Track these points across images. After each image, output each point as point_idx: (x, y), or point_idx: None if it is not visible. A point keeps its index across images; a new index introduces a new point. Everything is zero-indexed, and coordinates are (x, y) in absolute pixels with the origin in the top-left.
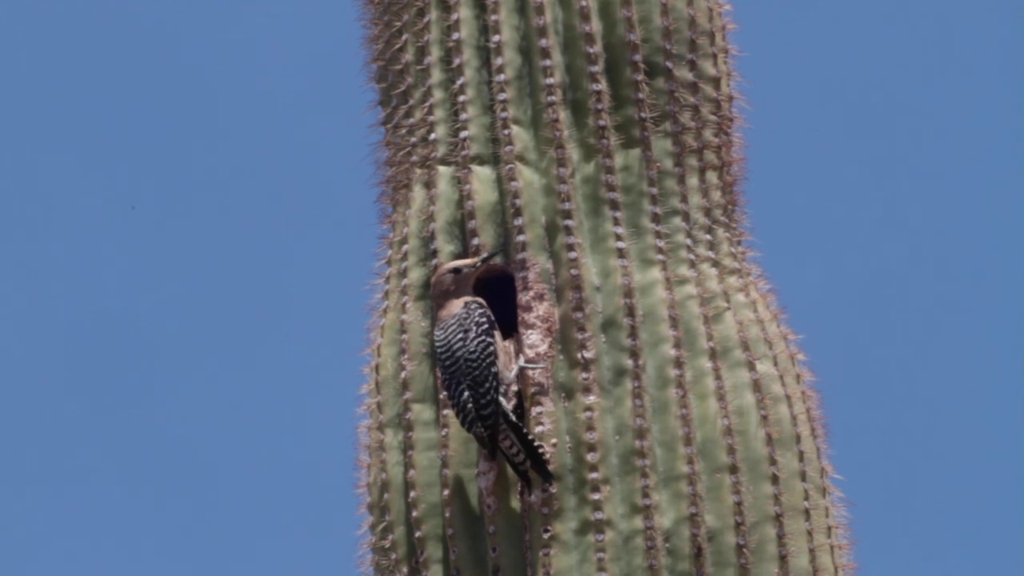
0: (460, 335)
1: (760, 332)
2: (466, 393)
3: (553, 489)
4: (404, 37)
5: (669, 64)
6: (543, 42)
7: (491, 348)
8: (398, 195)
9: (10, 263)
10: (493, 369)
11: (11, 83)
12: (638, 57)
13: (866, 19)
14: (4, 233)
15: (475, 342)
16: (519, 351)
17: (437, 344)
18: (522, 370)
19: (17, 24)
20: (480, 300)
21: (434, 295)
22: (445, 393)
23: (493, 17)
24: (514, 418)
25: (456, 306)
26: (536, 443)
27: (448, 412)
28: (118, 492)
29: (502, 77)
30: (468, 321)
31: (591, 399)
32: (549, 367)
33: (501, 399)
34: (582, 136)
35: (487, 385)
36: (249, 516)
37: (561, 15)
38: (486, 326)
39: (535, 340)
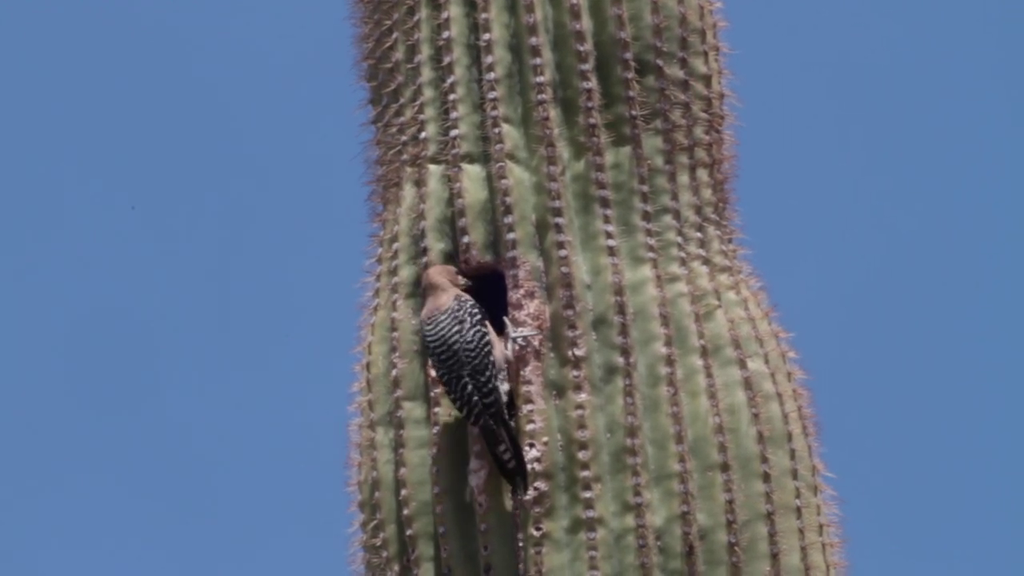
0: (456, 327)
1: (751, 330)
2: (470, 386)
3: (528, 494)
4: (394, 35)
5: (660, 62)
6: (533, 40)
7: (487, 338)
8: (388, 193)
9: (9, 263)
10: (491, 358)
11: (11, 83)
12: (628, 55)
13: (857, 16)
14: (3, 233)
15: (471, 332)
16: (506, 338)
17: (430, 338)
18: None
19: (17, 23)
20: (467, 295)
21: (423, 289)
22: (445, 388)
23: (483, 15)
24: (507, 415)
25: (445, 299)
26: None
27: (439, 410)
28: (110, 489)
29: (492, 75)
30: (461, 312)
31: (582, 397)
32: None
33: (499, 385)
34: (572, 134)
35: (488, 373)
36: (241, 514)
37: (551, 13)
38: (479, 316)
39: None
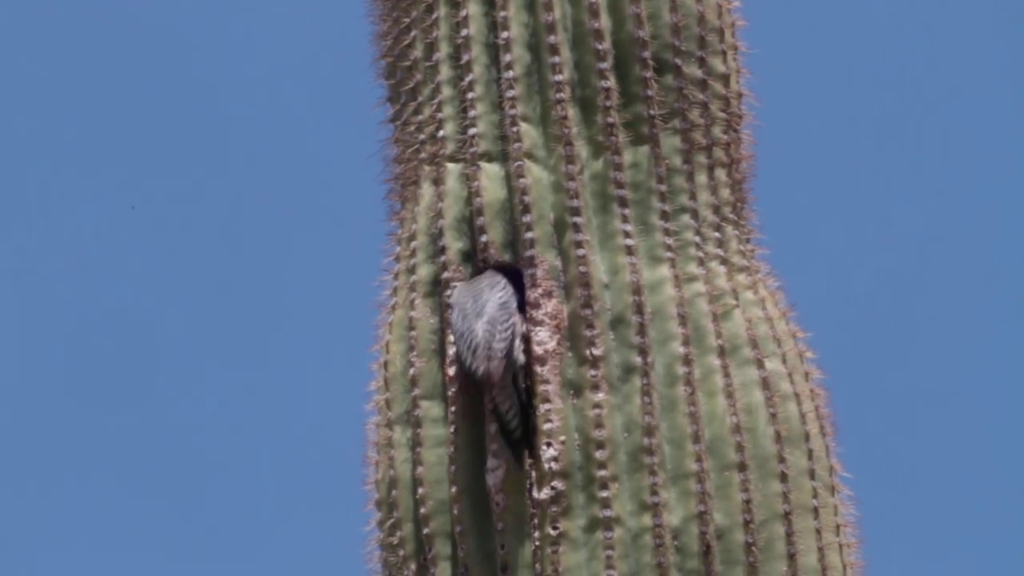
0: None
1: (768, 330)
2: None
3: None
4: (413, 33)
5: (678, 61)
6: (551, 39)
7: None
8: (407, 192)
9: (9, 263)
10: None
11: (10, 82)
12: (647, 54)
13: (877, 16)
14: (3, 233)
15: (498, 294)
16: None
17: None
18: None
19: (16, 23)
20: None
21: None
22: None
23: (502, 13)
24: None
25: None
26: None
27: (454, 408)
28: (121, 490)
29: (511, 74)
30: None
31: (600, 396)
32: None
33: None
34: (591, 133)
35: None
36: (257, 512)
37: (570, 11)
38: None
39: (543, 337)
